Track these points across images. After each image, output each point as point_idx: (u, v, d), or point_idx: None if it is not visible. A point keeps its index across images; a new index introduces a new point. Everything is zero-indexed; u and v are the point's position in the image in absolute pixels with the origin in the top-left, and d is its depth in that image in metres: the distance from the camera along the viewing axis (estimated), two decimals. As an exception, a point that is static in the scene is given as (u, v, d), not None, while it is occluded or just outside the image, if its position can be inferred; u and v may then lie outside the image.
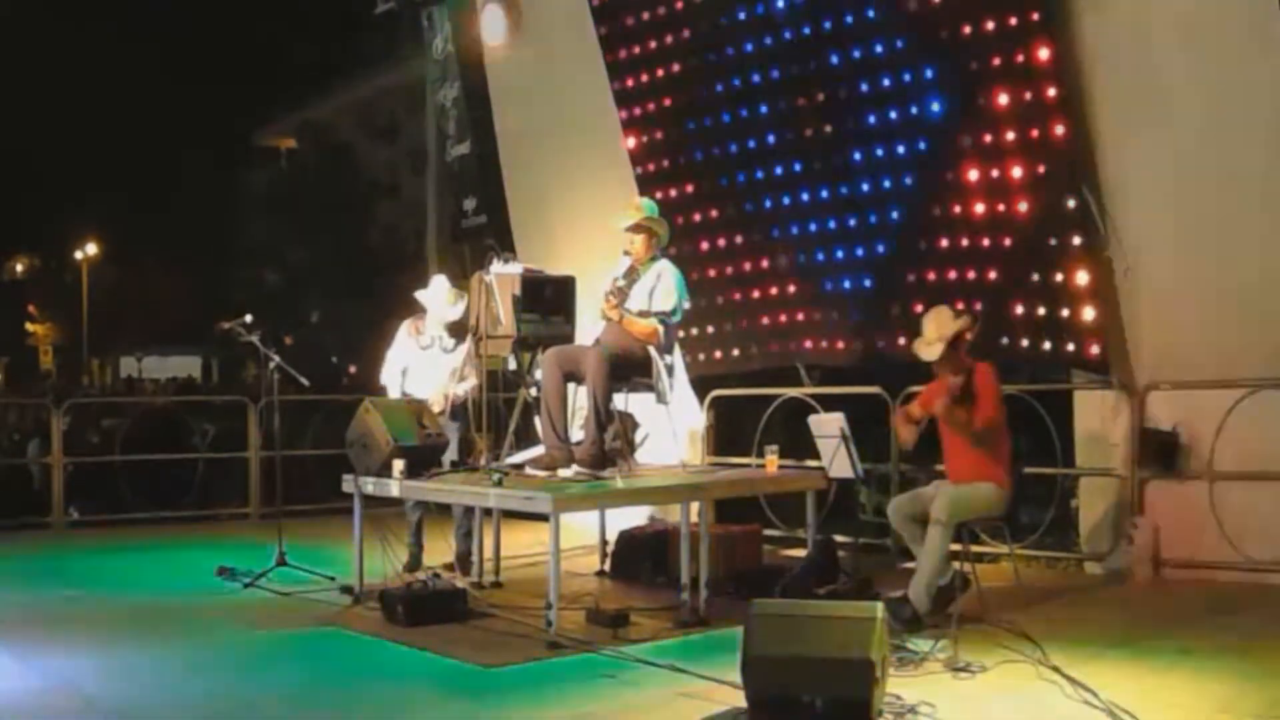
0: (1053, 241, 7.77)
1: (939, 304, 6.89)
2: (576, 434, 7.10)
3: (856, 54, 8.66)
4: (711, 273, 9.71)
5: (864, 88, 8.67)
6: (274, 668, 5.83)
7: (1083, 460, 8.18)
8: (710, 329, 9.79)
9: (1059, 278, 7.75)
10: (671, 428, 7.32)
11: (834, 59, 8.80)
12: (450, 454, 7.96)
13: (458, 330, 8.03)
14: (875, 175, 8.69)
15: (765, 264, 9.44)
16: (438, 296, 8.13)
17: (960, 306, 7.19)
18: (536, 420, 7.24)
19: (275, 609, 7.17)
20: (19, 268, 47.30)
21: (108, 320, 40.52)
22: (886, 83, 8.52)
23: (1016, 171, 7.88)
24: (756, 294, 9.51)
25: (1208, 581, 7.35)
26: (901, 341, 8.65)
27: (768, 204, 9.40)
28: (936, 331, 6.59)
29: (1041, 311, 7.83)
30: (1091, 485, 8.26)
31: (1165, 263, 7.56)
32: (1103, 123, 7.67)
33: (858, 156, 8.77)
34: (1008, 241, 7.99)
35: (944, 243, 8.36)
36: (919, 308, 8.46)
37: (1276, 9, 6.92)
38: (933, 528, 6.33)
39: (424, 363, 8.10)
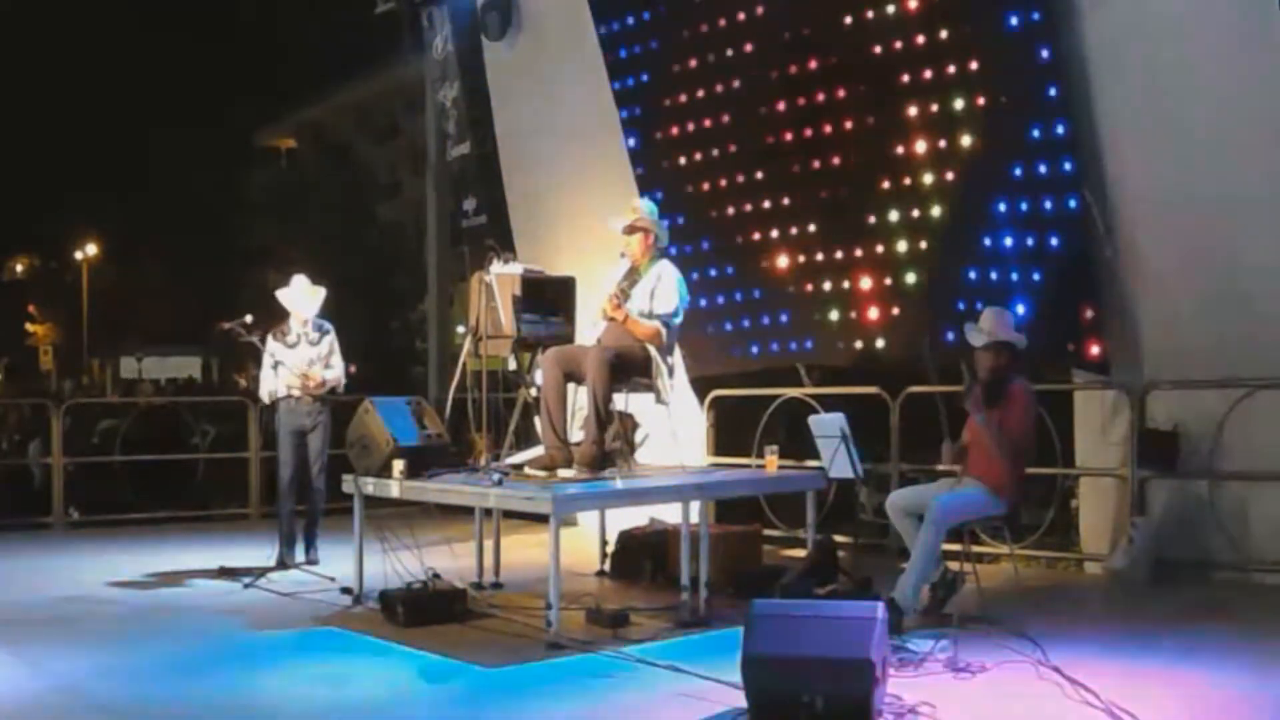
0: (1053, 241, 7.79)
1: (986, 306, 6.95)
2: (576, 434, 7.10)
3: (856, 55, 8.66)
4: (712, 273, 9.72)
5: (863, 89, 8.67)
6: (274, 668, 5.83)
7: (1083, 460, 8.19)
8: (710, 329, 9.79)
9: (1059, 277, 7.75)
10: (671, 428, 7.32)
11: (834, 60, 8.80)
12: (320, 444, 8.23)
13: (320, 326, 8.44)
14: (874, 176, 8.69)
15: (765, 264, 9.44)
16: (299, 293, 8.38)
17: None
18: (536, 420, 7.24)
19: (275, 609, 7.18)
20: (19, 268, 47.30)
21: (108, 320, 40.52)
22: (886, 83, 8.52)
23: (1017, 171, 7.89)
24: (757, 294, 9.51)
25: (1208, 581, 7.35)
26: (902, 342, 8.69)
27: (767, 204, 9.40)
28: (988, 325, 6.64)
29: (1042, 311, 7.83)
30: (1091, 485, 8.27)
31: (1165, 263, 7.56)
32: (1103, 123, 7.67)
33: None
34: (1008, 241, 8.00)
35: (945, 242, 8.36)
36: (919, 308, 8.51)
37: (1276, 9, 6.92)
38: (926, 526, 6.34)
39: (293, 357, 8.30)
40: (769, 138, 9.30)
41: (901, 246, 8.59)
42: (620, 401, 7.25)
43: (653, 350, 7.11)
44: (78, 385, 28.84)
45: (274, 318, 8.49)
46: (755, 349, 9.62)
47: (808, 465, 7.77)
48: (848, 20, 8.69)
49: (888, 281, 8.69)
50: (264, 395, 8.42)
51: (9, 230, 39.88)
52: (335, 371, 8.43)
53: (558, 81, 10.90)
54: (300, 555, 8.40)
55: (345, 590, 7.31)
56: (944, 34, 8.17)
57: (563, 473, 6.88)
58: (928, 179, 8.39)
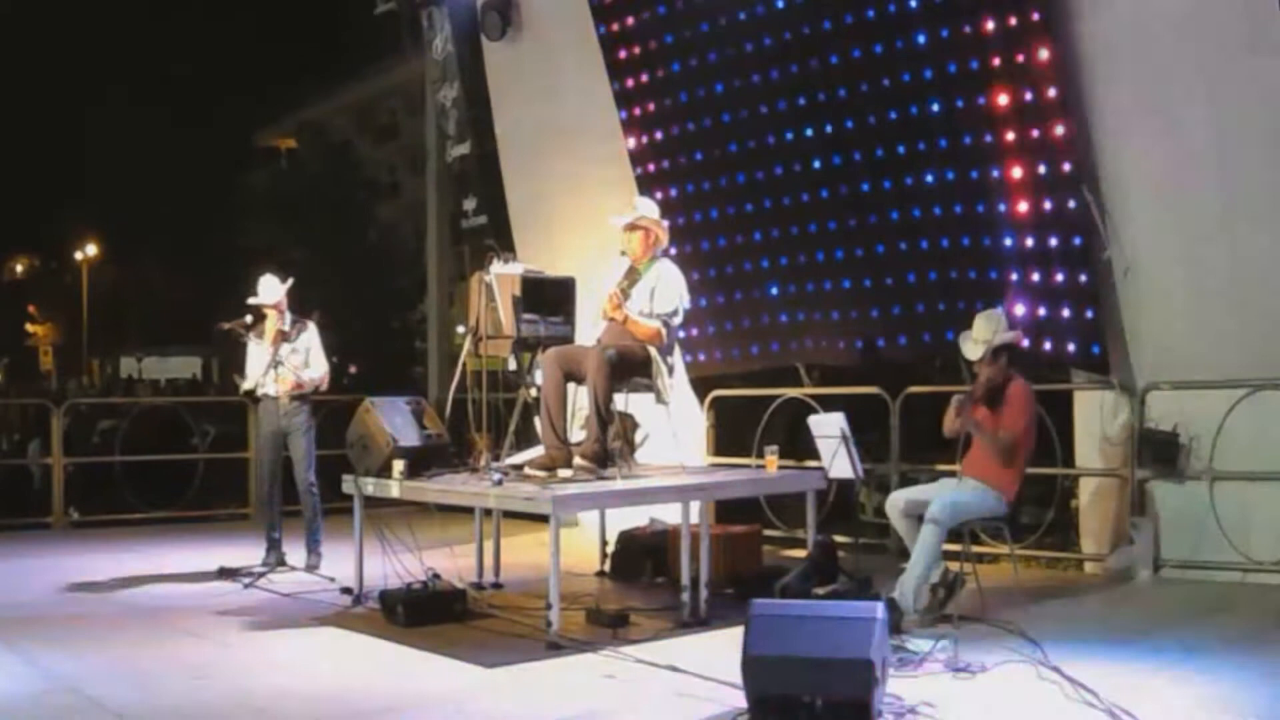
0: (1053, 241, 7.79)
1: (986, 307, 6.98)
2: (576, 434, 7.10)
3: (856, 54, 8.67)
4: (711, 273, 9.72)
5: (864, 88, 8.67)
6: (274, 668, 5.83)
7: (1083, 460, 8.19)
8: (710, 329, 9.80)
9: (1059, 278, 7.76)
10: (671, 428, 7.32)
11: (834, 59, 8.81)
12: (303, 444, 8.20)
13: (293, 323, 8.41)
14: (875, 176, 8.70)
15: (765, 264, 9.44)
16: (272, 290, 8.32)
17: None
18: (536, 420, 7.24)
19: (275, 609, 7.18)
20: (19, 268, 47.33)
21: (108, 320, 40.53)
22: (886, 83, 8.53)
23: (1016, 171, 7.89)
24: (756, 294, 9.52)
25: (1208, 581, 7.36)
26: (902, 341, 8.69)
27: (767, 204, 9.40)
28: (984, 335, 6.63)
29: (1042, 312, 7.84)
30: (1091, 485, 8.26)
31: (1165, 263, 7.56)
32: (1103, 123, 7.67)
33: (858, 157, 8.78)
34: (1008, 242, 8.00)
35: (944, 243, 8.37)
36: (920, 308, 8.52)
37: (1276, 9, 6.92)
38: (927, 526, 6.34)
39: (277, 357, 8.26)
40: (769, 138, 9.30)
41: (902, 246, 8.59)
42: (620, 401, 7.25)
43: (653, 350, 7.11)
44: (78, 385, 28.81)
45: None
46: (755, 349, 9.62)
47: (808, 465, 7.77)
48: (848, 20, 8.69)
49: (888, 281, 8.70)
50: (250, 381, 8.34)
51: (9, 230, 39.92)
52: (315, 371, 8.32)
53: (558, 82, 10.89)
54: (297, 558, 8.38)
55: (345, 590, 7.31)
56: (944, 33, 8.18)
57: (563, 473, 6.87)
58: (928, 179, 8.40)
